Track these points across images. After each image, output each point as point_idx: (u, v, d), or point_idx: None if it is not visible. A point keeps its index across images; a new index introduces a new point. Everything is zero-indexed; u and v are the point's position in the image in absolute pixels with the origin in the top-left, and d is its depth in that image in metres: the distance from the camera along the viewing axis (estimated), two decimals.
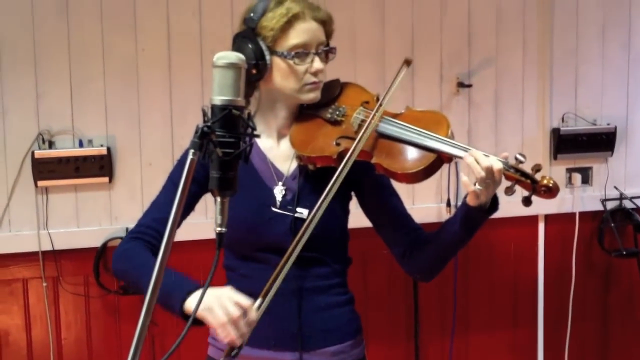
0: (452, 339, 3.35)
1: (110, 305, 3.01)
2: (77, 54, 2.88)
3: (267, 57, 1.73)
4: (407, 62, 1.77)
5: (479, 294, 3.40)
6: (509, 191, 1.62)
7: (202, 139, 1.23)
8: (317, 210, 1.66)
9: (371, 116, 1.72)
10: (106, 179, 2.92)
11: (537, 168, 1.62)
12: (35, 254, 2.90)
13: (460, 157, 1.65)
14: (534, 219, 3.42)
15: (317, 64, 1.75)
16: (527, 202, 1.62)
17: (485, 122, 3.30)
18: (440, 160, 1.69)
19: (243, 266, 1.80)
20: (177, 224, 1.22)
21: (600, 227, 3.46)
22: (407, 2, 3.17)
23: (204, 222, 2.76)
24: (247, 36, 1.74)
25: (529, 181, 1.61)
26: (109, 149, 2.91)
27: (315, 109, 1.82)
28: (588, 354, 3.58)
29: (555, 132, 3.35)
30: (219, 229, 1.28)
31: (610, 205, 3.44)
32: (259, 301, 1.62)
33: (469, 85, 3.24)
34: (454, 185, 3.24)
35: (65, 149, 2.88)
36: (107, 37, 2.90)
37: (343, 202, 1.84)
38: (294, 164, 1.82)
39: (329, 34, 1.80)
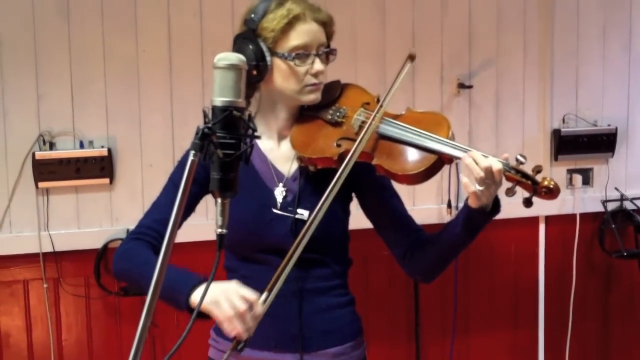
0: (453, 340, 3.35)
1: (110, 307, 3.01)
2: (78, 55, 2.88)
3: (268, 58, 1.73)
4: (411, 57, 1.77)
5: (480, 295, 3.40)
6: (510, 192, 1.61)
7: (203, 140, 1.23)
8: (317, 212, 1.66)
9: (372, 117, 1.72)
10: (107, 180, 2.92)
11: (537, 169, 1.62)
12: (36, 255, 2.91)
13: (461, 158, 1.64)
14: (534, 220, 3.42)
15: (318, 65, 1.75)
16: (527, 203, 1.61)
17: (486, 123, 3.30)
18: (441, 161, 1.69)
19: (244, 267, 1.80)
20: (178, 225, 1.22)
21: (601, 228, 3.45)
22: (408, 4, 3.17)
23: (204, 223, 2.76)
24: (248, 37, 1.74)
25: (529, 182, 1.61)
26: (109, 150, 2.91)
27: (316, 110, 1.82)
28: (589, 355, 3.57)
29: (556, 133, 3.35)
30: (219, 230, 1.28)
31: (611, 206, 3.44)
32: (264, 295, 1.63)
33: (470, 87, 3.24)
34: (455, 186, 3.24)
35: (66, 150, 2.88)
36: (107, 39, 2.90)
37: (344, 203, 1.84)
38: (294, 165, 1.82)
39: (329, 36, 1.80)
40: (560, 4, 3.33)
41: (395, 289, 3.27)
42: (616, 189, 3.45)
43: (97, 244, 2.93)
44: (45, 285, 2.93)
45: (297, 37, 1.73)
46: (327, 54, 1.79)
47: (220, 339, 1.83)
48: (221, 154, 1.25)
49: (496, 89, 3.30)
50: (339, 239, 1.85)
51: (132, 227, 1.83)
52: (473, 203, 1.66)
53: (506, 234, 3.33)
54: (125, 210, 2.95)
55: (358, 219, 1.90)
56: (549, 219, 3.43)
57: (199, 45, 2.97)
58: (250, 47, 1.72)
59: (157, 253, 1.22)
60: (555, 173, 3.36)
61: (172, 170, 1.85)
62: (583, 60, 3.39)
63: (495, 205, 1.69)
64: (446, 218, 3.20)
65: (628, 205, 3.44)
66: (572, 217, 3.43)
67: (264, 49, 1.73)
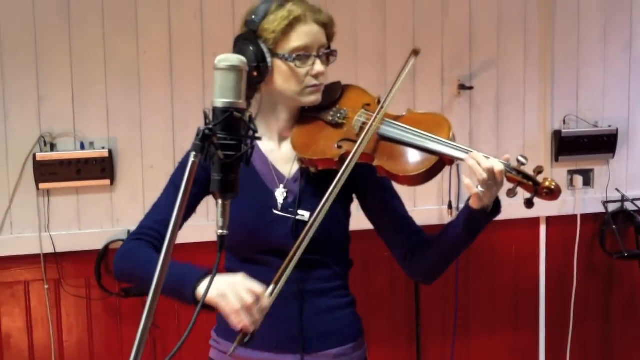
0: (454, 342, 3.35)
1: (111, 308, 3.02)
2: (79, 57, 2.88)
3: (269, 59, 1.73)
4: (415, 52, 1.77)
5: (481, 296, 3.40)
6: (511, 193, 1.62)
7: (204, 141, 1.24)
8: (318, 213, 1.66)
9: (373, 118, 1.72)
10: (108, 182, 2.92)
11: (538, 170, 1.62)
12: (36, 256, 2.91)
13: (462, 160, 1.65)
14: (535, 221, 3.42)
15: (318, 66, 1.75)
16: (529, 204, 1.62)
17: (487, 124, 3.30)
18: (441, 162, 1.69)
19: (244, 268, 1.79)
20: (179, 226, 1.22)
21: (601, 229, 3.45)
22: (409, 5, 3.17)
23: (205, 224, 2.76)
24: (249, 38, 1.74)
25: (530, 183, 1.61)
26: (110, 152, 2.91)
27: (317, 112, 1.82)
28: (590, 356, 3.57)
29: (557, 134, 3.35)
30: (220, 231, 1.28)
31: (612, 207, 3.44)
32: (271, 287, 1.63)
33: (471, 88, 3.24)
34: (456, 187, 3.24)
35: (67, 152, 2.88)
36: (108, 40, 2.90)
37: (344, 204, 1.84)
38: (295, 167, 1.82)
39: (330, 37, 1.81)
40: (560, 5, 3.33)
41: (396, 290, 3.27)
42: (617, 189, 3.45)
43: (98, 245, 2.93)
44: (46, 287, 2.93)
45: (298, 38, 1.73)
46: (328, 55, 1.79)
47: (221, 339, 1.83)
48: (222, 155, 1.25)
49: (497, 90, 3.30)
50: (339, 240, 1.85)
51: (132, 228, 1.83)
52: (474, 204, 1.66)
53: (507, 234, 3.33)
54: (126, 212, 2.95)
55: (359, 220, 1.90)
56: (549, 220, 3.43)
57: (199, 46, 2.97)
58: (251, 48, 1.72)
59: (159, 253, 1.22)
60: (556, 174, 3.36)
61: (172, 171, 1.85)
62: (584, 62, 3.39)
63: (496, 206, 1.69)
64: (447, 219, 3.20)
65: (629, 206, 3.44)
66: (573, 218, 3.43)
67: (265, 50, 1.73)
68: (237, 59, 1.27)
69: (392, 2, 3.15)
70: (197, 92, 2.98)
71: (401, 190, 1.85)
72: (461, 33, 3.24)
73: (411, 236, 1.83)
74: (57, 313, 2.97)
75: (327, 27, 1.79)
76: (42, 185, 2.86)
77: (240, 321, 1.56)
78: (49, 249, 2.90)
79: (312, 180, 1.79)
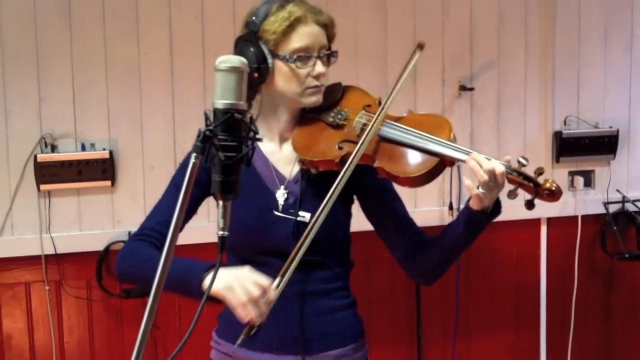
0: (455, 342, 3.35)
1: (112, 309, 3.02)
2: (80, 58, 2.88)
3: (269, 60, 1.73)
4: (420, 46, 1.76)
5: (482, 297, 3.40)
6: (512, 194, 1.62)
7: (205, 142, 1.24)
8: (319, 214, 1.66)
9: (373, 120, 1.72)
10: (108, 183, 2.92)
11: (539, 171, 1.62)
12: (37, 257, 2.91)
13: (463, 161, 1.65)
14: (536, 222, 3.42)
15: (319, 67, 1.75)
16: (529, 205, 1.62)
17: (488, 125, 3.30)
18: (442, 163, 1.69)
19: None
20: (180, 227, 1.22)
21: (602, 230, 3.45)
22: (409, 6, 3.18)
23: (206, 225, 2.76)
24: (249, 40, 1.74)
25: (531, 184, 1.61)
26: (111, 153, 2.91)
27: (317, 113, 1.82)
28: (591, 357, 3.57)
29: (558, 135, 3.35)
30: (221, 232, 1.28)
31: (613, 208, 3.44)
32: (277, 280, 1.64)
33: (471, 89, 3.24)
34: (456, 188, 3.24)
35: (68, 153, 2.88)
36: (109, 41, 2.90)
37: (345, 205, 1.84)
38: (296, 168, 1.82)
39: (331, 38, 1.81)
40: (561, 6, 3.33)
41: (397, 291, 3.27)
42: (618, 190, 3.45)
43: (99, 246, 2.93)
44: (47, 288, 2.93)
45: (299, 39, 1.73)
46: (329, 56, 1.79)
47: (222, 340, 1.83)
48: (222, 156, 1.25)
49: (497, 91, 3.30)
50: (340, 241, 1.85)
51: (133, 229, 1.84)
52: (475, 205, 1.66)
53: (508, 236, 3.33)
54: (127, 213, 2.95)
55: (359, 221, 1.90)
56: (550, 221, 3.43)
57: (200, 47, 2.98)
58: (252, 49, 1.72)
59: (161, 253, 1.23)
60: (556, 175, 3.36)
61: (173, 172, 1.85)
62: (584, 63, 3.39)
63: (496, 206, 1.69)
64: (447, 220, 3.19)
65: (630, 207, 3.44)
66: (573, 219, 3.43)
67: (266, 51, 1.73)
68: (238, 60, 1.27)
69: (392, 3, 3.15)
70: (197, 93, 2.98)
71: (402, 191, 1.85)
72: (462, 34, 3.24)
73: (412, 237, 1.83)
74: (58, 314, 2.97)
75: (328, 28, 1.79)
76: (43, 187, 2.86)
77: (247, 314, 1.56)
78: (49, 250, 2.90)
79: (312, 182, 1.79)
